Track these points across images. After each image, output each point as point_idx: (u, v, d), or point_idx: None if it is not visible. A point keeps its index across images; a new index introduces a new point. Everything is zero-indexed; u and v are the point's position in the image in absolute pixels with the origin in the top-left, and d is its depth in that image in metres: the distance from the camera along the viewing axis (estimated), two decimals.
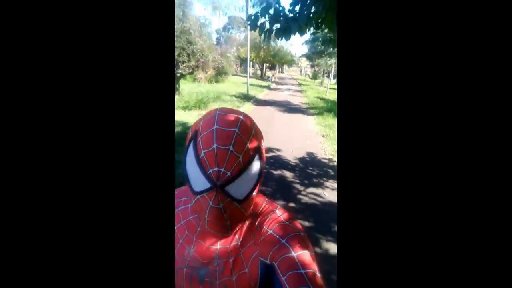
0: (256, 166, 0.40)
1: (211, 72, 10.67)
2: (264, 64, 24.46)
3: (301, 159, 3.76)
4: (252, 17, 1.98)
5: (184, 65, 6.98)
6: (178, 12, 6.60)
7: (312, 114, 7.44)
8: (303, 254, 0.39)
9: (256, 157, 0.39)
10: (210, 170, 0.36)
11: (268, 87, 15.41)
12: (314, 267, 0.38)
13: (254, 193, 0.41)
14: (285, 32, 1.96)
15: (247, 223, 0.46)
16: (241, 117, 0.40)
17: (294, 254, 0.38)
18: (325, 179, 3.13)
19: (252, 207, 0.45)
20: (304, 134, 5.23)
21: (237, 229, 0.45)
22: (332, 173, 3.34)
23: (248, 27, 2.12)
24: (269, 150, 4.00)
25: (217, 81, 13.03)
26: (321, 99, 11.01)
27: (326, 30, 2.27)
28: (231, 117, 0.39)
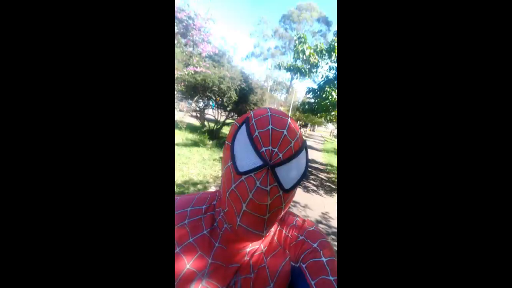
0: (303, 158, 0.39)
1: None
2: (298, 122, 30.39)
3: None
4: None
5: None
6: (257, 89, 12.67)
7: (321, 152, 12.67)
8: (332, 261, 0.39)
9: (304, 151, 0.39)
10: (264, 148, 0.35)
11: None
12: None
13: (296, 189, 0.39)
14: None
15: (272, 230, 0.44)
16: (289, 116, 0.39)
17: (324, 259, 0.39)
18: (314, 164, 8.19)
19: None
20: (312, 156, 10.44)
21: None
22: (318, 165, 8.41)
23: (289, 91, 7.23)
24: None
25: None
26: (334, 149, 16.00)
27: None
28: (282, 112, 0.39)
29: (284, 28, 31.84)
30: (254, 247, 0.42)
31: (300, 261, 0.41)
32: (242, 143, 0.37)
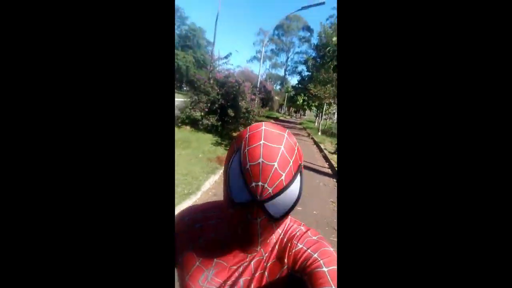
0: (296, 186, 0.39)
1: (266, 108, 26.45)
2: (291, 108, 39.92)
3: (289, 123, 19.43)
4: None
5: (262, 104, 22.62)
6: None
7: (301, 124, 23.23)
8: (334, 270, 0.39)
9: (297, 178, 0.39)
10: (253, 184, 0.36)
11: (290, 117, 31.96)
12: None
13: (289, 214, 0.41)
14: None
15: (274, 238, 0.46)
16: (286, 134, 0.41)
17: (325, 269, 0.39)
18: (298, 130, 18.80)
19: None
20: (295, 126, 20.91)
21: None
22: (299, 126, 18.97)
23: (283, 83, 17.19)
24: (280, 122, 19.34)
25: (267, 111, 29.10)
26: (308, 121, 26.29)
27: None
28: (277, 134, 0.40)
29: (277, 36, 42.65)
30: (253, 254, 0.45)
31: (300, 271, 0.41)
32: (235, 174, 0.39)
